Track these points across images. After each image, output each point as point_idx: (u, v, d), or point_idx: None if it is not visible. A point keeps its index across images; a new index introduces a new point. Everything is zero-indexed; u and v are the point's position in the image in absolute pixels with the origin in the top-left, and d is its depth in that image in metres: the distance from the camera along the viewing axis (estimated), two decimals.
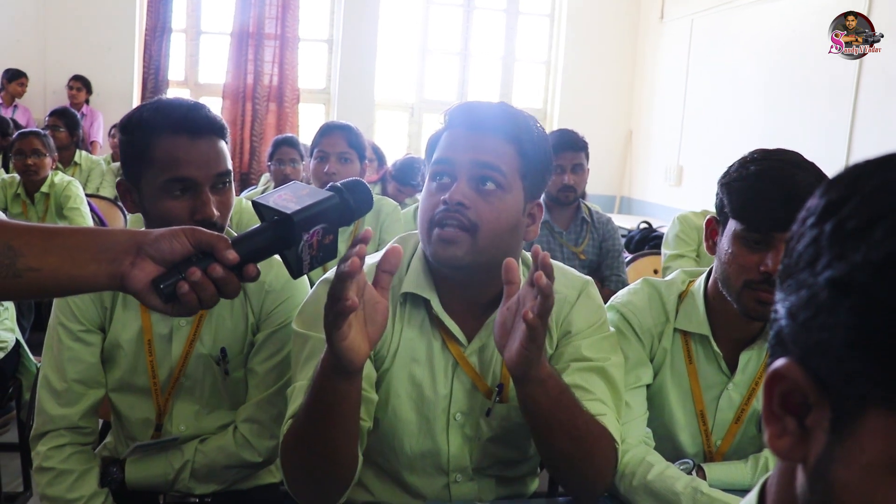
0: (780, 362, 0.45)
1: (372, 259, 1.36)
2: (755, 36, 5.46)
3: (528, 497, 1.46)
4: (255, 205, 0.97)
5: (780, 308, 0.47)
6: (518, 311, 1.11)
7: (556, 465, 1.24)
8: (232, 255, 0.87)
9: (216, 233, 0.89)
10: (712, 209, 3.19)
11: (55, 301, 1.46)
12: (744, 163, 1.35)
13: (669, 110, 6.56)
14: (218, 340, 1.46)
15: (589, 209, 3.19)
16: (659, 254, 3.51)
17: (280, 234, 0.93)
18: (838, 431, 0.43)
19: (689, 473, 1.33)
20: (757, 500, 0.51)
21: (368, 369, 1.28)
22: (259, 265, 1.46)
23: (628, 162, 7.21)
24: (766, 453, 1.39)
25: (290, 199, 0.95)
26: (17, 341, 2.68)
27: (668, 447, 1.44)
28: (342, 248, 2.47)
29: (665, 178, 6.54)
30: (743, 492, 1.33)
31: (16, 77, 6.13)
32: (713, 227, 1.44)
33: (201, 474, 1.46)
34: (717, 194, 1.39)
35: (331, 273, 1.32)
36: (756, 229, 1.30)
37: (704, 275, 1.48)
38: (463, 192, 1.21)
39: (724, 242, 1.36)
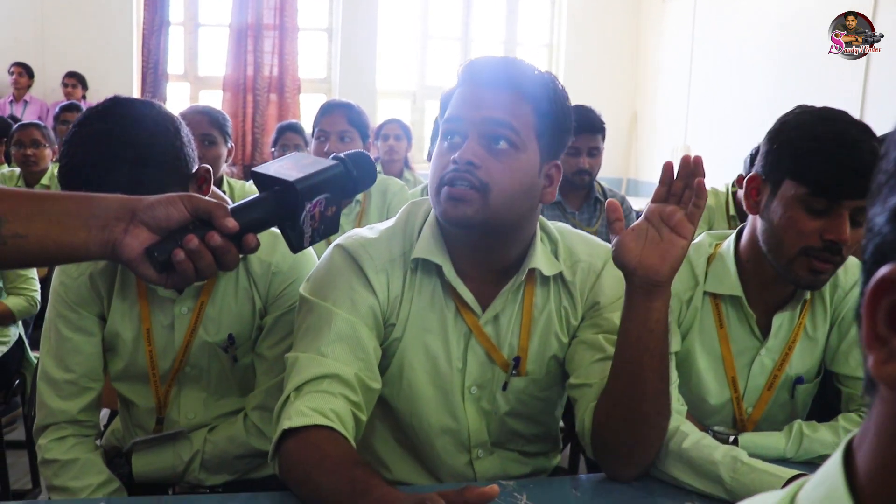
0: (885, 268, 0.39)
1: (378, 227, 1.31)
2: (759, 11, 5.38)
3: (549, 473, 1.41)
4: (255, 175, 0.92)
5: (879, 220, 0.41)
6: (655, 221, 1.13)
7: (626, 421, 1.16)
8: (231, 222, 0.83)
9: (214, 200, 0.84)
10: (719, 188, 3.14)
11: (51, 292, 1.41)
12: (805, 121, 1.26)
13: (674, 90, 6.49)
14: (223, 327, 1.40)
15: (602, 188, 3.11)
16: None
17: (281, 204, 0.89)
18: None
19: (727, 441, 1.27)
20: (843, 462, 0.43)
21: (374, 354, 1.22)
22: (264, 247, 1.41)
23: (634, 144, 7.14)
24: (800, 422, 1.34)
25: (292, 167, 0.91)
26: (20, 336, 2.65)
27: (697, 415, 1.39)
28: (349, 227, 2.42)
29: (672, 157, 6.43)
30: (777, 461, 1.27)
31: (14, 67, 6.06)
32: (756, 184, 1.34)
33: (212, 464, 1.41)
34: (770, 151, 1.30)
35: (343, 239, 1.28)
36: (824, 194, 1.22)
37: (733, 235, 1.41)
38: (473, 150, 1.15)
39: (778, 205, 1.28)
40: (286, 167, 0.91)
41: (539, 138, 1.20)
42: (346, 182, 0.93)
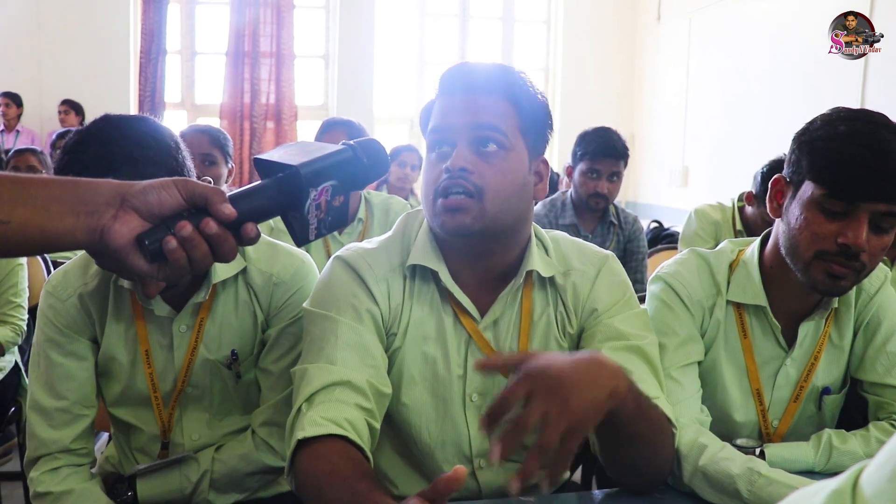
0: None
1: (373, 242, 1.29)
2: (755, 31, 5.39)
3: (560, 488, 1.36)
4: (258, 162, 0.86)
5: None
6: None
7: (623, 455, 1.13)
8: (228, 209, 0.77)
9: (212, 185, 0.78)
10: (725, 203, 3.12)
11: (39, 315, 1.35)
12: (830, 120, 1.22)
13: (671, 111, 6.49)
14: (224, 343, 1.36)
15: (616, 209, 3.09)
16: (673, 248, 3.47)
17: (284, 191, 0.82)
18: None
19: (752, 452, 1.22)
20: None
21: (381, 360, 1.20)
22: (264, 258, 1.37)
23: (632, 166, 7.10)
24: (829, 432, 1.29)
25: (296, 153, 0.85)
26: (16, 363, 2.59)
27: (722, 430, 1.33)
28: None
29: (670, 179, 6.45)
30: (805, 473, 1.22)
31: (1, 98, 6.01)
32: (780, 187, 1.30)
33: (221, 484, 1.36)
34: (794, 152, 1.26)
35: (342, 251, 1.25)
36: (840, 197, 1.18)
37: (757, 242, 1.37)
38: (464, 157, 1.15)
39: (796, 207, 1.24)
40: (290, 153, 0.85)
41: (524, 136, 1.20)
42: (356, 169, 0.87)
